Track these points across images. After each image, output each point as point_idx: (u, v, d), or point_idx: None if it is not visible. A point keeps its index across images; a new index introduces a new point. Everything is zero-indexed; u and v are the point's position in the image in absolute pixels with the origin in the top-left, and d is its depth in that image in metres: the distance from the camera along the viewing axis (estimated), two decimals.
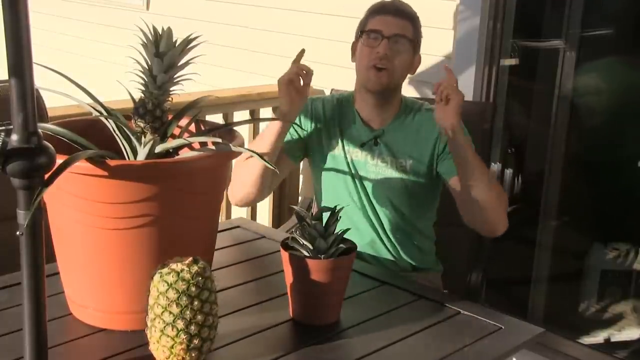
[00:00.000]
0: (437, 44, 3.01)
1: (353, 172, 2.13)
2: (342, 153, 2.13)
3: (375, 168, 2.11)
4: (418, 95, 3.04)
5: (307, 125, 2.15)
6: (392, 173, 2.10)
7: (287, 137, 2.08)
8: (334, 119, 2.15)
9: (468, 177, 1.92)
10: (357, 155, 2.12)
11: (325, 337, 1.55)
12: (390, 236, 2.14)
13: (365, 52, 2.09)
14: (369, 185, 2.12)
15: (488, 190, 1.93)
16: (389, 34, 2.07)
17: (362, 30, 2.12)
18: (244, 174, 2.01)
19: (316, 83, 3.39)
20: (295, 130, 2.13)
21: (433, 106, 2.02)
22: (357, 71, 2.13)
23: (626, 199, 3.35)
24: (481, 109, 2.66)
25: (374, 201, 2.13)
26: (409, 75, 2.16)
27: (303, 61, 1.90)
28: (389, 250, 2.15)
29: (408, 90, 3.07)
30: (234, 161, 1.74)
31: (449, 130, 1.86)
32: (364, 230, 2.13)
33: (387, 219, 2.13)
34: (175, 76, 1.53)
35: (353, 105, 2.16)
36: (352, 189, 2.13)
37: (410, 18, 2.13)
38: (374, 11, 2.15)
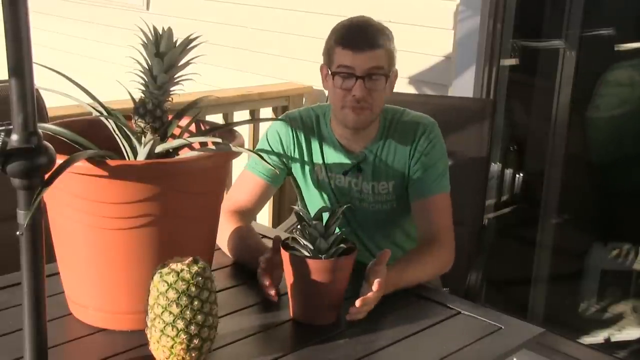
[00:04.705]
0: (437, 44, 3.01)
1: (338, 198, 2.03)
2: (325, 179, 2.02)
3: (360, 194, 2.01)
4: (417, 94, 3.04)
5: (289, 151, 2.01)
6: (377, 197, 2.01)
7: (269, 169, 1.96)
8: (315, 140, 2.00)
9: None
10: (340, 181, 2.01)
11: (325, 337, 1.55)
12: None
13: (338, 94, 1.88)
14: (354, 212, 2.04)
15: (432, 274, 1.90)
16: (362, 72, 1.84)
17: (329, 66, 1.89)
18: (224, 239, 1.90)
19: (316, 83, 3.43)
20: (277, 157, 2.01)
21: (411, 115, 1.98)
22: (332, 105, 1.94)
23: (626, 199, 3.34)
24: (481, 107, 2.65)
25: (361, 227, 2.07)
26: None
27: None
28: None
29: (408, 89, 3.07)
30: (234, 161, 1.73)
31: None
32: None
33: (374, 244, 2.06)
34: (175, 76, 1.53)
35: (331, 126, 1.99)
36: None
37: (382, 42, 1.86)
38: (340, 41, 1.87)
